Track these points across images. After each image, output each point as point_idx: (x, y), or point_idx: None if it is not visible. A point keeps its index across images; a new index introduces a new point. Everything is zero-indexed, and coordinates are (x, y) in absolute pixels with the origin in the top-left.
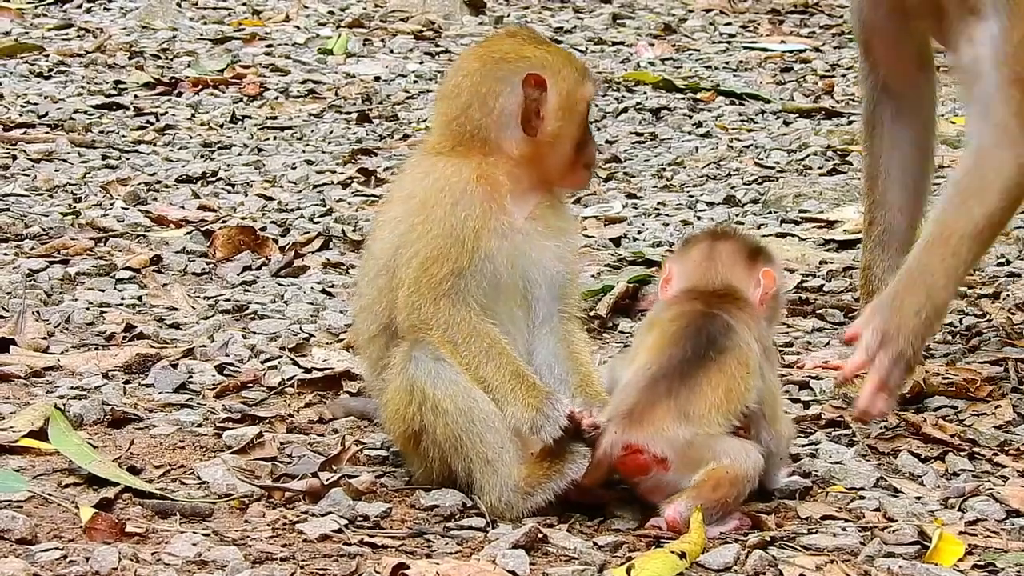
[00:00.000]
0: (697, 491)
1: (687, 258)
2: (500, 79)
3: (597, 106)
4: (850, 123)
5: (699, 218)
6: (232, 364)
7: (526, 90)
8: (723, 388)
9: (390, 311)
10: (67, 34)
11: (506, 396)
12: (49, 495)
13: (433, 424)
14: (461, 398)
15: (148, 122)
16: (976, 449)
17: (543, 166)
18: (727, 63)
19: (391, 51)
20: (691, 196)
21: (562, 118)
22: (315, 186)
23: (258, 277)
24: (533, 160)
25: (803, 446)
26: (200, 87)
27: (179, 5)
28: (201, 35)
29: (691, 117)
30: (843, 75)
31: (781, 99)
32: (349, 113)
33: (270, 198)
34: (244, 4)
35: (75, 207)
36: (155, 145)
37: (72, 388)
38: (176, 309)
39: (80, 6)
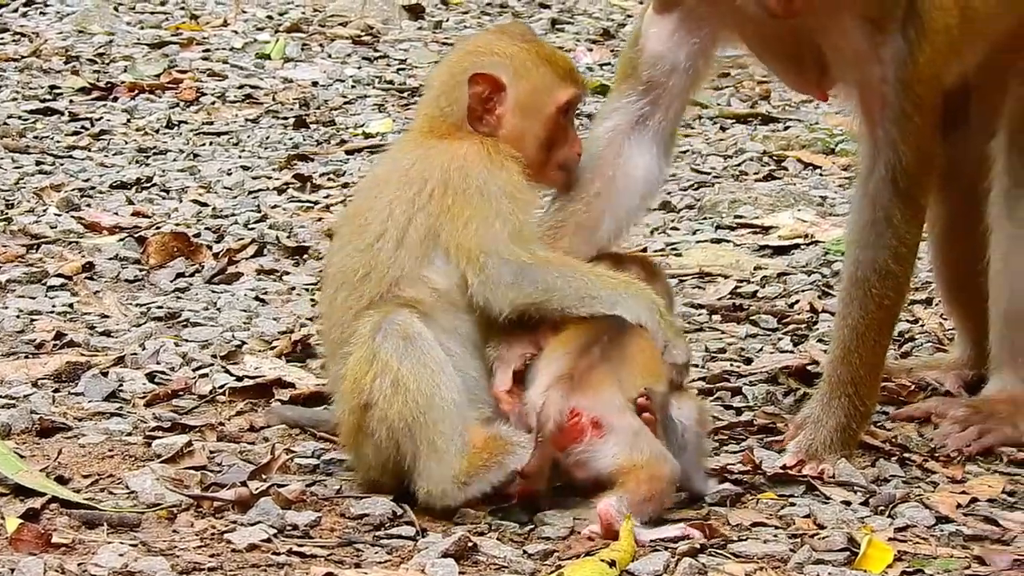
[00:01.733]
0: (624, 487)
1: None
2: (462, 72)
3: None
4: (786, 129)
5: (635, 223)
6: (163, 372)
7: (472, 88)
8: (648, 351)
9: (387, 282)
10: (2, 39)
11: (626, 296)
12: None
13: (390, 400)
14: (426, 381)
15: (83, 127)
16: (907, 455)
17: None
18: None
19: (329, 56)
20: None
21: (522, 117)
22: (250, 192)
23: (191, 284)
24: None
25: (734, 452)
26: (136, 92)
27: (116, 9)
28: (138, 40)
29: None
30: (780, 81)
31: (718, 104)
32: (286, 118)
33: (205, 204)
34: (182, 8)
35: (7, 213)
36: (90, 151)
37: (0, 397)
38: (108, 317)
39: (16, 10)
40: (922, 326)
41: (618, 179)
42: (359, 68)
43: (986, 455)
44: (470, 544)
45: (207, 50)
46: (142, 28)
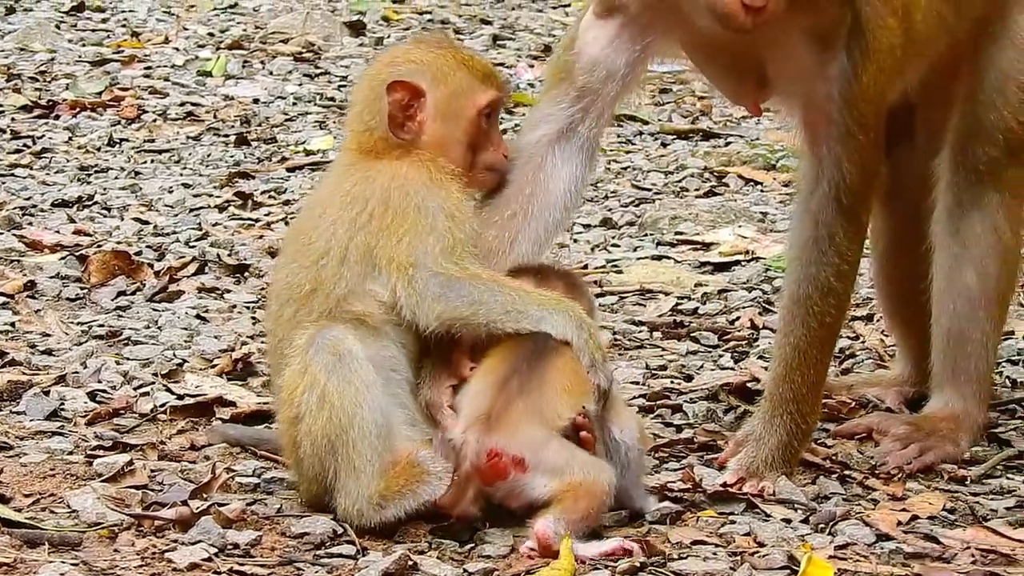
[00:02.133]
0: (560, 505)
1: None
2: (380, 83)
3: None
4: (727, 144)
5: (575, 240)
6: (104, 391)
7: (391, 95)
8: (568, 372)
9: (334, 297)
10: None
11: (553, 312)
12: None
13: (315, 415)
14: (350, 400)
15: (25, 145)
16: (847, 472)
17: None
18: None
19: (271, 73)
20: None
21: (443, 122)
22: (191, 210)
23: (132, 302)
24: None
25: (675, 470)
26: (78, 110)
27: (58, 27)
28: (80, 57)
29: None
30: (721, 96)
31: (659, 120)
32: (227, 136)
33: (146, 222)
34: (123, 26)
35: None
36: (31, 168)
37: None
38: (49, 335)
39: None
40: (863, 343)
41: (537, 196)
42: (300, 85)
43: (927, 473)
44: (410, 563)
45: (148, 67)
46: (84, 46)
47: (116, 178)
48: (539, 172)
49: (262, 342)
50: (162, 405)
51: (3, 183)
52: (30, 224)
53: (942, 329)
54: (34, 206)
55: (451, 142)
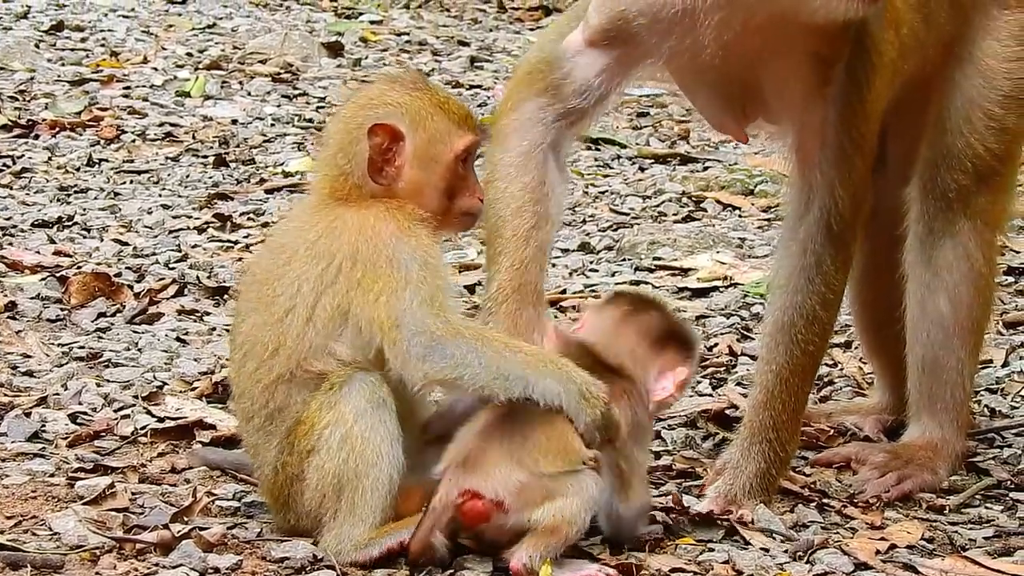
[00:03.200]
0: (535, 537)
1: (603, 315)
2: (358, 126)
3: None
4: (705, 169)
5: (553, 264)
6: (85, 413)
7: (371, 139)
8: (556, 439)
9: (295, 358)
10: None
11: (541, 376)
12: None
13: (334, 452)
14: (372, 449)
15: (4, 165)
16: (826, 500)
17: (421, 208)
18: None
19: (249, 93)
20: None
21: (422, 167)
22: (171, 231)
23: (112, 324)
24: (411, 201)
25: (655, 496)
26: (57, 129)
27: (37, 46)
28: (59, 76)
29: None
30: (699, 120)
31: (637, 144)
32: (206, 157)
33: (126, 243)
34: (102, 45)
35: None
36: (11, 189)
37: None
38: (30, 356)
39: None
40: (841, 370)
41: (545, 206)
42: (279, 106)
43: (905, 501)
44: None
45: (127, 87)
46: (63, 65)
47: (95, 199)
48: (542, 185)
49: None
50: (143, 428)
51: None
52: (10, 244)
53: (917, 358)
54: (14, 226)
55: (428, 187)
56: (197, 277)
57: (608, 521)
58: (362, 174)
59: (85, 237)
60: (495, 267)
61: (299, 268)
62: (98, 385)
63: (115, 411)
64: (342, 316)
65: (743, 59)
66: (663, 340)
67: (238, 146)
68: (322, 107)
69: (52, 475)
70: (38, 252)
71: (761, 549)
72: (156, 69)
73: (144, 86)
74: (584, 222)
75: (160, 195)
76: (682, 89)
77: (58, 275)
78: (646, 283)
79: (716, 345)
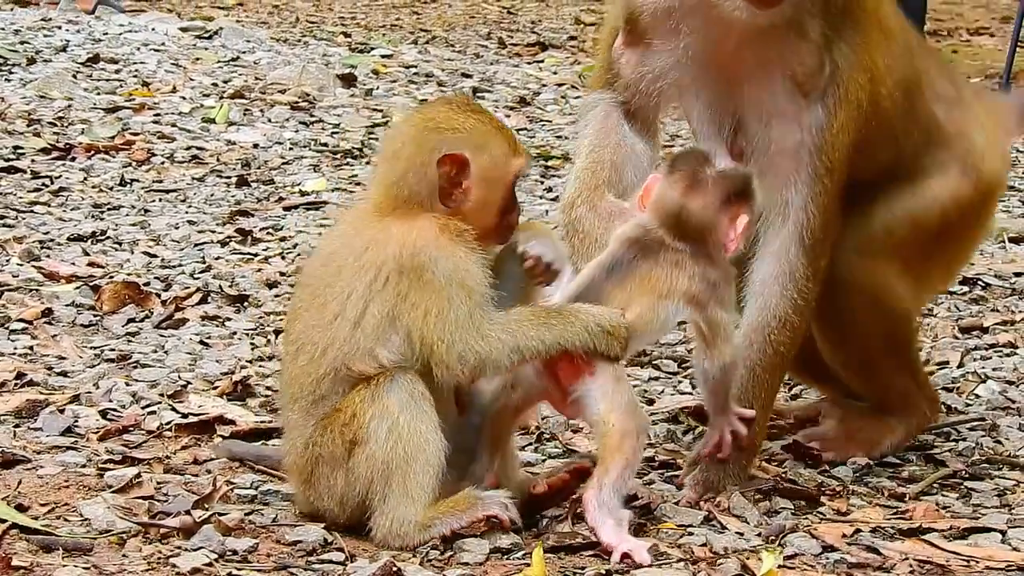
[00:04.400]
0: (602, 464)
1: (669, 183)
2: (429, 151)
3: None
4: None
5: None
6: (115, 409)
7: (441, 168)
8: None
9: (340, 359)
10: None
11: (572, 334)
12: None
13: (382, 442)
14: (419, 435)
15: (44, 184)
16: (796, 489)
17: (472, 225)
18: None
19: (269, 120)
20: None
21: (485, 189)
22: (196, 245)
23: (141, 329)
24: (464, 219)
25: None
26: (92, 153)
27: (75, 76)
28: (94, 104)
29: (543, 183)
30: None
31: None
32: (229, 177)
33: (154, 256)
34: (135, 76)
35: None
36: (49, 206)
37: None
38: (64, 358)
39: None
40: None
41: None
42: (296, 131)
43: (861, 480)
44: (394, 569)
45: (157, 114)
46: (98, 94)
47: (127, 215)
48: (622, 147)
49: (260, 366)
50: (168, 423)
51: (23, 219)
52: (48, 256)
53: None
54: (52, 240)
55: (487, 207)
56: (220, 286)
57: (702, 380)
58: (430, 196)
59: (117, 250)
60: (573, 169)
61: (347, 278)
62: (127, 384)
63: (143, 408)
64: (390, 323)
65: (729, 82)
66: (726, 193)
67: (259, 168)
68: (336, 133)
69: (83, 466)
70: (73, 264)
71: (736, 533)
72: (184, 98)
73: (173, 113)
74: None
75: (187, 212)
76: (685, 110)
77: (91, 284)
78: None
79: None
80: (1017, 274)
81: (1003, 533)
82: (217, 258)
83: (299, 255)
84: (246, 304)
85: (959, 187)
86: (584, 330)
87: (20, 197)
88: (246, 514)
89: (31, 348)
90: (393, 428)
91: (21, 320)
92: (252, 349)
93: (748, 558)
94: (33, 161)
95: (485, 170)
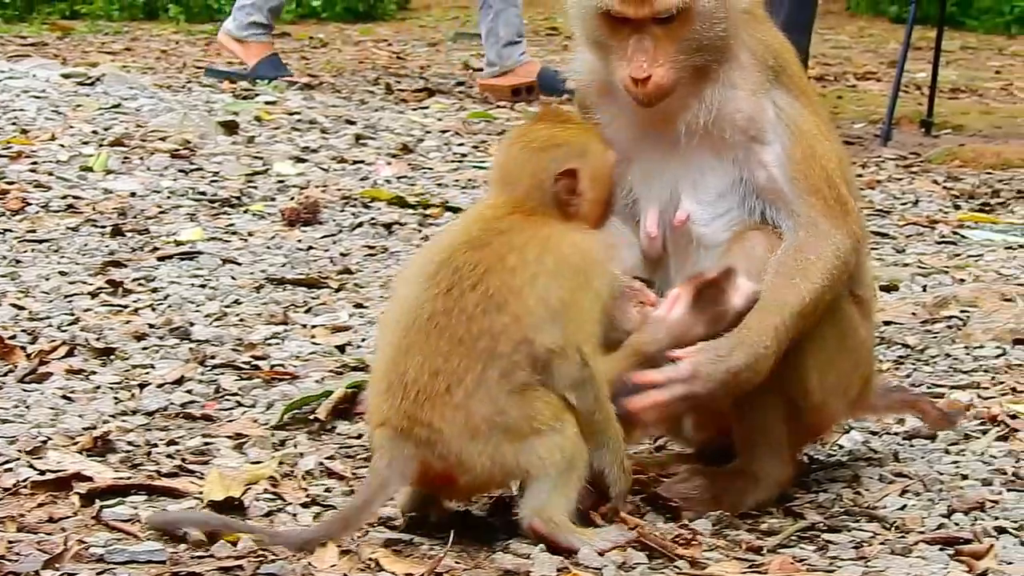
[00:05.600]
0: None
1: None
2: (544, 170)
3: (334, 221)
4: None
5: None
6: None
7: (558, 185)
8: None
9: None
10: None
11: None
12: None
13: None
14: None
15: None
16: (652, 540)
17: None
18: (456, 181)
19: (148, 168)
20: None
21: (595, 190)
22: (66, 296)
23: (4, 383)
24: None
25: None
26: None
27: None
28: None
29: (420, 231)
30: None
31: None
32: (104, 227)
33: (22, 308)
34: (14, 124)
35: None
36: None
37: None
38: None
39: None
40: None
41: None
42: (175, 180)
43: (719, 533)
44: None
45: (35, 163)
46: None
47: None
48: None
49: (123, 420)
50: (24, 480)
51: None
52: None
53: (736, 411)
54: None
55: (599, 204)
56: (86, 339)
57: None
58: (552, 209)
59: None
60: None
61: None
62: None
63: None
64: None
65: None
66: None
67: (135, 217)
68: (215, 181)
69: None
70: None
71: None
72: (63, 145)
73: (51, 161)
74: None
75: (59, 263)
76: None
77: None
78: None
79: None
80: (886, 323)
81: None
82: (86, 310)
83: (170, 307)
84: (112, 357)
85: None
86: (617, 454)
87: None
88: (98, 574)
89: None
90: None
91: None
92: (115, 403)
93: None
94: None
95: (593, 174)
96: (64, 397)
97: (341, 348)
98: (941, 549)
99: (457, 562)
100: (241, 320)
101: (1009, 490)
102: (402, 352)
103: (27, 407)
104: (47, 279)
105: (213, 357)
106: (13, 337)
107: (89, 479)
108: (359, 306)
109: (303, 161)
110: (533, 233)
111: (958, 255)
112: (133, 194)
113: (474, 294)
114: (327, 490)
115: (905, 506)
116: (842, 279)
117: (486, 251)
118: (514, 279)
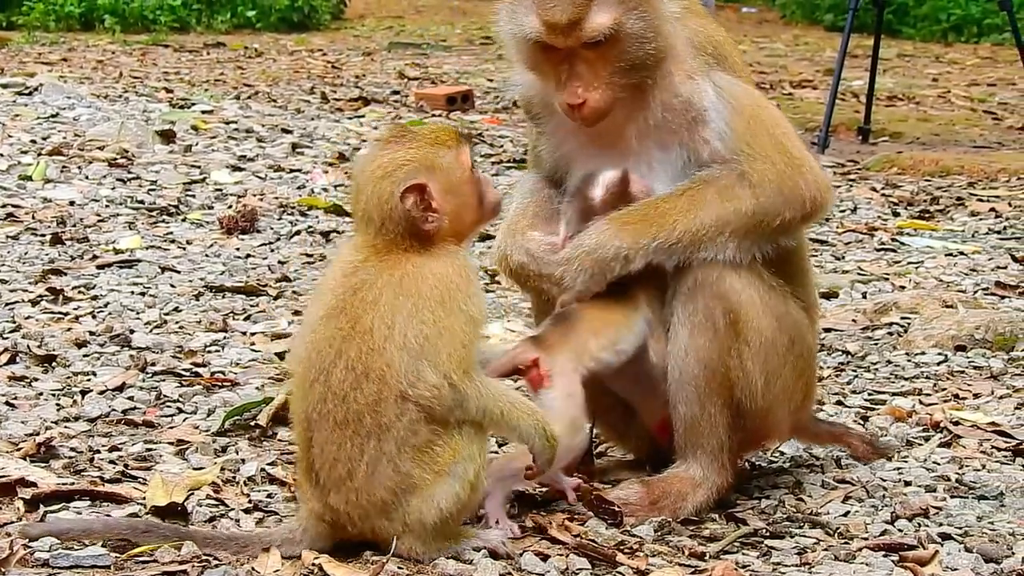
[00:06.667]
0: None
1: None
2: (389, 196)
3: (272, 229)
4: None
5: None
6: None
7: (405, 203)
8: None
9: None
10: None
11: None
12: None
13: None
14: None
15: None
16: (595, 549)
17: (463, 227)
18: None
19: (87, 177)
20: None
21: (452, 196)
22: (6, 304)
23: None
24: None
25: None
26: None
27: None
28: None
29: None
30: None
31: None
32: (43, 235)
33: None
34: None
35: None
36: None
37: None
38: None
39: None
40: None
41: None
42: (113, 189)
43: (661, 539)
44: None
45: None
46: None
47: None
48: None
49: (65, 427)
50: None
51: None
52: None
53: (679, 414)
54: None
55: (464, 208)
56: (28, 346)
57: None
58: (409, 229)
59: None
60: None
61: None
62: None
63: None
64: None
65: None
66: None
67: (74, 225)
68: (153, 190)
69: None
70: None
71: None
72: (1, 155)
73: None
74: None
75: None
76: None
77: None
78: None
79: None
80: (827, 330)
81: None
82: (27, 317)
83: (110, 314)
84: (54, 364)
85: None
86: (535, 428)
87: None
88: None
89: None
90: (477, 475)
91: None
92: (58, 410)
93: None
94: None
95: (444, 183)
96: (7, 403)
97: (280, 355)
98: (885, 555)
99: (400, 567)
100: (181, 327)
101: (952, 496)
102: (305, 442)
103: None
104: None
105: (154, 364)
106: None
107: (33, 484)
108: (297, 313)
109: (240, 170)
110: (388, 279)
111: (898, 262)
112: (72, 203)
113: (337, 371)
114: (269, 495)
115: (848, 512)
116: (755, 234)
117: (341, 318)
118: (372, 339)
